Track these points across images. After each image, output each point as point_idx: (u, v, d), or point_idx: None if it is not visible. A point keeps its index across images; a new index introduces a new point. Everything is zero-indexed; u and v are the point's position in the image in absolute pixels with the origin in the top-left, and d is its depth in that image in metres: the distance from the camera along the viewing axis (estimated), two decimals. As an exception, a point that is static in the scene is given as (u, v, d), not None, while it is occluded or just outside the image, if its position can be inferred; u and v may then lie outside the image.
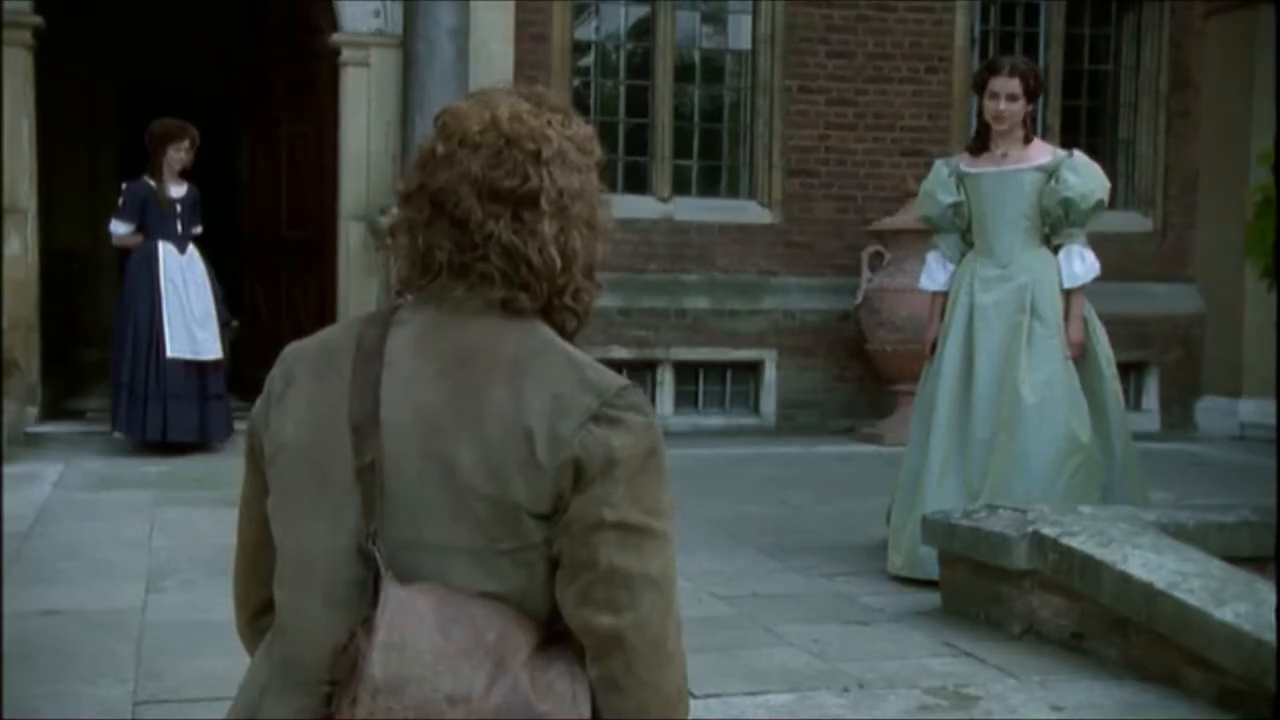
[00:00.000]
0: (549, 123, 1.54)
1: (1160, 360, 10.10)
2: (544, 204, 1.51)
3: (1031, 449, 5.04)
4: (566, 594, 1.47)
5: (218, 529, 5.86)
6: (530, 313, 1.54)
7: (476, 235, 1.51)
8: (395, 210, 1.61)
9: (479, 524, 1.45)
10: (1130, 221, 9.98)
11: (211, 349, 7.78)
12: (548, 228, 1.51)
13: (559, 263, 1.52)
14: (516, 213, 1.51)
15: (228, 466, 7.42)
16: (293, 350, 1.63)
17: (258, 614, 1.71)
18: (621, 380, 1.51)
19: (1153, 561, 3.87)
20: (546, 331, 1.54)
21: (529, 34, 9.06)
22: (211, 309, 7.86)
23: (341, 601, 1.49)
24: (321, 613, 1.50)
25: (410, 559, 1.46)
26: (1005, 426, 5.08)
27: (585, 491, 1.45)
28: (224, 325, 7.92)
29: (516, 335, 1.51)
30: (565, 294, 1.55)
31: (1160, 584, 3.74)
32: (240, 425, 8.19)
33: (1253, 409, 9.61)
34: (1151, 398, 10.11)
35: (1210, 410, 10.01)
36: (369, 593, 1.46)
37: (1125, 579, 3.86)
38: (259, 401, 1.62)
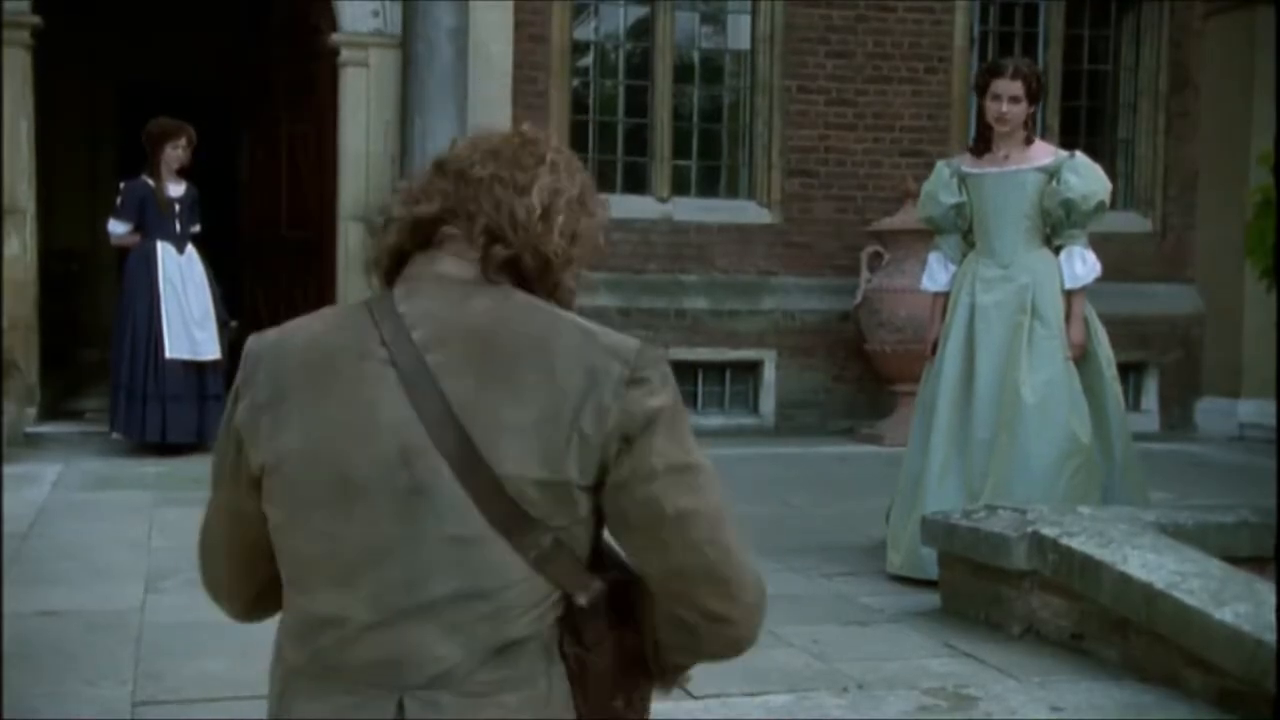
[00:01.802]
0: (559, 148, 1.66)
1: (1160, 361, 10.10)
2: (541, 176, 1.60)
3: (1032, 450, 5.04)
4: (647, 556, 1.56)
5: (217, 529, 5.87)
6: (508, 279, 1.59)
7: (479, 185, 1.58)
8: (389, 201, 1.67)
9: (528, 506, 1.50)
10: (1130, 222, 9.98)
11: (210, 349, 7.78)
12: (535, 198, 1.59)
13: (539, 214, 1.59)
14: (514, 175, 1.59)
15: (227, 467, 7.43)
16: (269, 348, 1.62)
17: (250, 605, 1.75)
18: (635, 341, 1.60)
19: (1152, 562, 3.87)
20: (542, 304, 1.60)
21: (528, 34, 9.06)
22: (210, 309, 7.86)
23: (387, 605, 1.52)
24: (366, 615, 1.52)
25: (453, 551, 1.51)
26: (1006, 427, 5.08)
27: (632, 449, 1.53)
28: (223, 325, 7.92)
29: (522, 313, 1.57)
30: (556, 284, 1.63)
31: (1160, 584, 3.73)
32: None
33: (1252, 409, 9.60)
34: (1151, 398, 10.10)
35: (1210, 411, 10.01)
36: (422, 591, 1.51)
37: (1125, 579, 3.86)
38: (242, 406, 1.61)
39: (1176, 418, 10.10)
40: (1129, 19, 10.31)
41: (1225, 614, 3.52)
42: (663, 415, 1.55)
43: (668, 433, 1.55)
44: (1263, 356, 9.61)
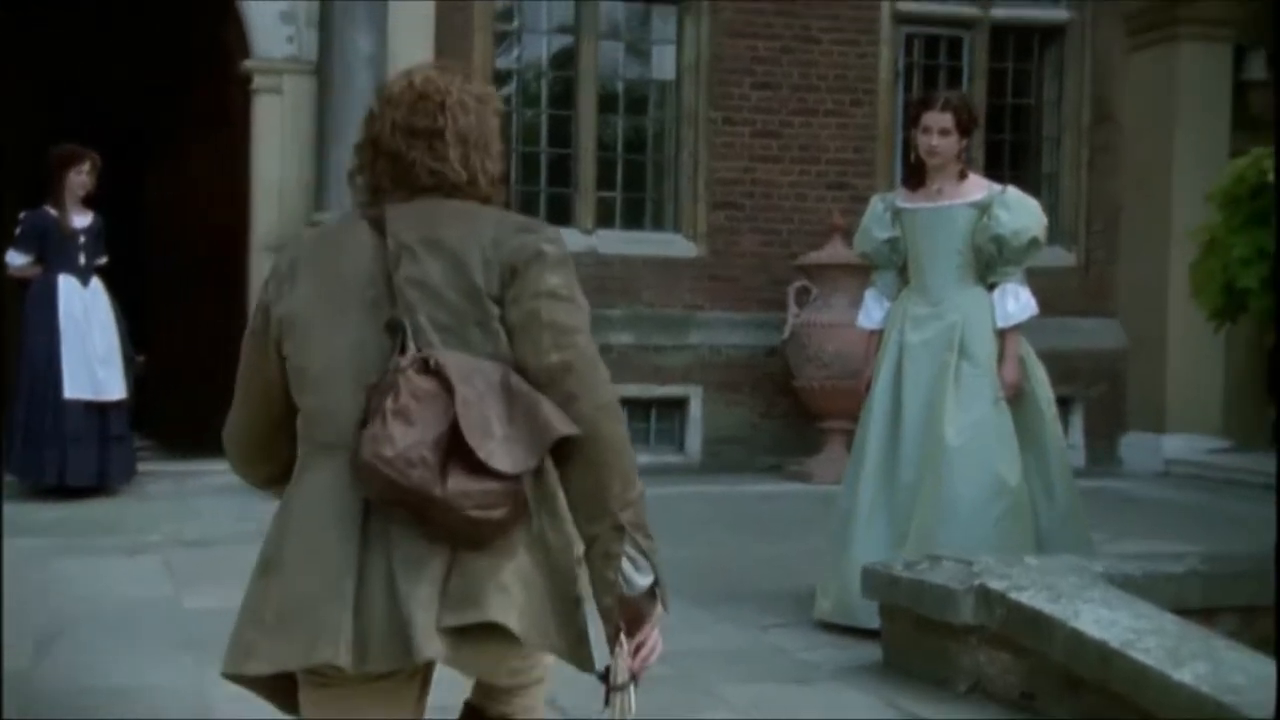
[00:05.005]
0: (451, 81, 2.21)
1: (1085, 395, 10.06)
2: (448, 137, 2.16)
3: (957, 492, 4.88)
4: (525, 349, 2.08)
5: (121, 580, 5.54)
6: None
7: (405, 161, 2.16)
8: (352, 160, 2.25)
9: (457, 306, 2.07)
10: (1054, 256, 9.92)
11: (114, 388, 7.43)
12: (453, 154, 2.17)
13: (465, 175, 2.18)
14: (431, 144, 2.16)
15: (131, 511, 7.11)
16: (294, 242, 2.37)
17: (269, 476, 2.29)
18: (541, 221, 2.19)
19: (1105, 618, 3.72)
20: (478, 204, 2.19)
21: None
22: (116, 345, 7.52)
23: (363, 387, 2.04)
24: (350, 392, 2.05)
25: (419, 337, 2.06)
26: (930, 469, 4.93)
27: (524, 274, 2.09)
28: (129, 362, 7.57)
29: (457, 202, 2.18)
30: (480, 195, 2.21)
31: (1114, 643, 3.57)
32: (143, 467, 7.87)
33: (1177, 445, 9.59)
34: (1076, 433, 10.03)
35: (1135, 446, 9.98)
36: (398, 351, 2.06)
37: (1078, 637, 3.70)
38: (269, 285, 2.22)
39: (1102, 453, 10.06)
40: (1051, 53, 10.32)
41: (1184, 674, 3.36)
42: (549, 256, 2.11)
43: (552, 270, 2.11)
44: (1187, 392, 9.64)
